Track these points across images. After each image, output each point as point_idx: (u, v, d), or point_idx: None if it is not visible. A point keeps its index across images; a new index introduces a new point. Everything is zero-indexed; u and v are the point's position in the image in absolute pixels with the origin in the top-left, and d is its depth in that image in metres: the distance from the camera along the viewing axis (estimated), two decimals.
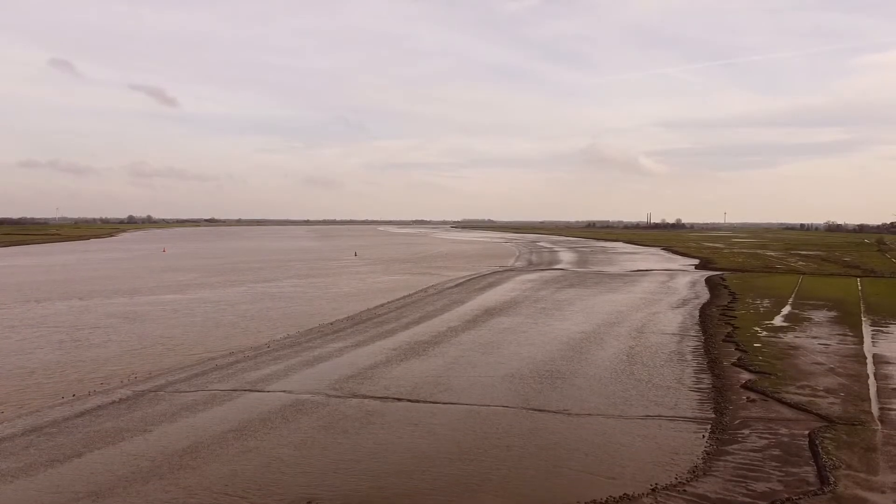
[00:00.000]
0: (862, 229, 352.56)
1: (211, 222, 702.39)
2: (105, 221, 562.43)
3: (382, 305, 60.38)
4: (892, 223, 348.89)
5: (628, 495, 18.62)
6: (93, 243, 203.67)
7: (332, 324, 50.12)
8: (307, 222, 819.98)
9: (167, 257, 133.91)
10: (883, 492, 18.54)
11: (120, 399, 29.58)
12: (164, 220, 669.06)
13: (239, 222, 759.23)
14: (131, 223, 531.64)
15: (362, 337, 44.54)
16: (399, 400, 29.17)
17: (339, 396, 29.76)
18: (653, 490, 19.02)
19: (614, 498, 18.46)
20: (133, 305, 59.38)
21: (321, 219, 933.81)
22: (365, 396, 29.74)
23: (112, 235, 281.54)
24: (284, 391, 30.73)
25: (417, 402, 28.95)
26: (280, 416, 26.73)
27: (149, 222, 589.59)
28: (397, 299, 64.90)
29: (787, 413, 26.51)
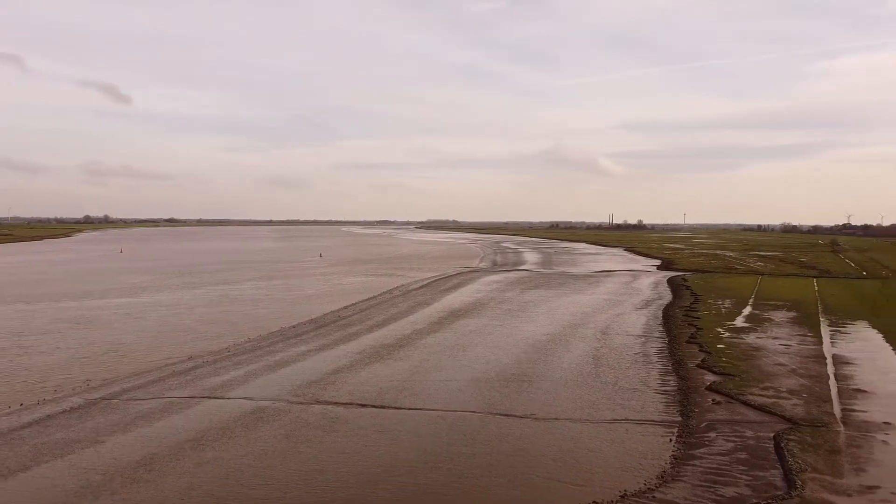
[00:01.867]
0: (816, 230, 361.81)
1: (171, 222, 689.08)
2: (60, 221, 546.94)
3: (347, 308, 59.53)
4: (844, 224, 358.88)
5: (597, 503, 18.32)
6: (47, 244, 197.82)
7: (294, 327, 49.16)
8: (270, 223, 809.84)
9: (123, 258, 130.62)
10: (849, 495, 18.57)
11: (71, 408, 28.34)
12: (121, 220, 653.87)
13: (200, 222, 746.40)
14: (88, 223, 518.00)
15: (326, 340, 43.71)
16: (364, 406, 28.53)
17: (301, 403, 28.98)
18: (622, 497, 18.77)
19: None
20: (84, 309, 57.47)
21: (285, 219, 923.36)
22: (329, 403, 29.02)
23: (67, 236, 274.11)
24: (245, 398, 29.82)
25: (383, 407, 28.34)
26: (240, 425, 25.88)
27: (106, 222, 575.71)
28: (362, 301, 64.09)
29: (752, 415, 26.60)
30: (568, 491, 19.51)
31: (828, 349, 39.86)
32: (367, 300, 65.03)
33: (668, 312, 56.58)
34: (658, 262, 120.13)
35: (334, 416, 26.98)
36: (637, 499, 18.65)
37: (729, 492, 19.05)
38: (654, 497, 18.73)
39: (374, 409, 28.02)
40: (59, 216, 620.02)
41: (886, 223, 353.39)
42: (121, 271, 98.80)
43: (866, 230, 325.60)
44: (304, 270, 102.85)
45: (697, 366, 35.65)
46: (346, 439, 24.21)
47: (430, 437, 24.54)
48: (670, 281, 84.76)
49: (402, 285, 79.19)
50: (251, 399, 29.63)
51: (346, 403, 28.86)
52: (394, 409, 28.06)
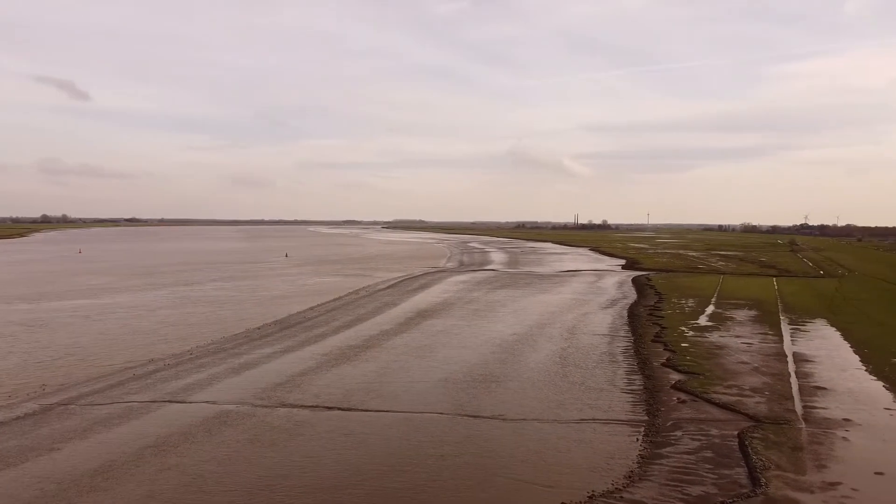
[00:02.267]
0: (775, 230, 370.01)
1: (132, 222, 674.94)
2: (16, 221, 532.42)
3: (313, 308, 58.85)
4: (802, 225, 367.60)
5: None
6: (0, 244, 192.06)
7: (259, 328, 48.40)
8: (235, 222, 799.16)
9: (82, 259, 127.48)
10: (812, 492, 18.83)
11: (25, 414, 27.42)
12: (80, 219, 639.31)
13: (162, 222, 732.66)
14: (45, 223, 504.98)
15: (291, 342, 43.11)
16: (330, 408, 28.13)
17: (266, 406, 28.47)
18: (590, 498, 18.76)
19: None
20: (40, 312, 55.84)
21: (249, 219, 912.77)
22: (294, 405, 28.55)
23: (23, 236, 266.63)
24: (208, 402, 29.19)
25: (349, 410, 27.98)
26: (203, 429, 25.29)
27: (64, 222, 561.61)
28: (328, 302, 63.45)
29: (717, 413, 26.89)
30: (536, 492, 19.44)
31: (788, 347, 40.60)
32: (333, 301, 64.40)
33: (633, 311, 57.12)
34: (623, 262, 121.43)
35: (300, 420, 26.54)
36: (605, 499, 18.66)
37: (696, 490, 19.18)
38: (622, 497, 18.76)
39: (340, 412, 27.65)
40: (14, 215, 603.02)
41: (841, 223, 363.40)
42: (79, 272, 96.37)
43: (822, 230, 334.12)
44: (270, 271, 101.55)
45: (663, 364, 35.99)
46: (312, 443, 23.81)
47: (397, 439, 24.28)
48: (635, 280, 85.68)
49: (369, 286, 78.66)
50: (214, 403, 29.01)
51: (312, 406, 28.43)
52: (361, 412, 27.72)
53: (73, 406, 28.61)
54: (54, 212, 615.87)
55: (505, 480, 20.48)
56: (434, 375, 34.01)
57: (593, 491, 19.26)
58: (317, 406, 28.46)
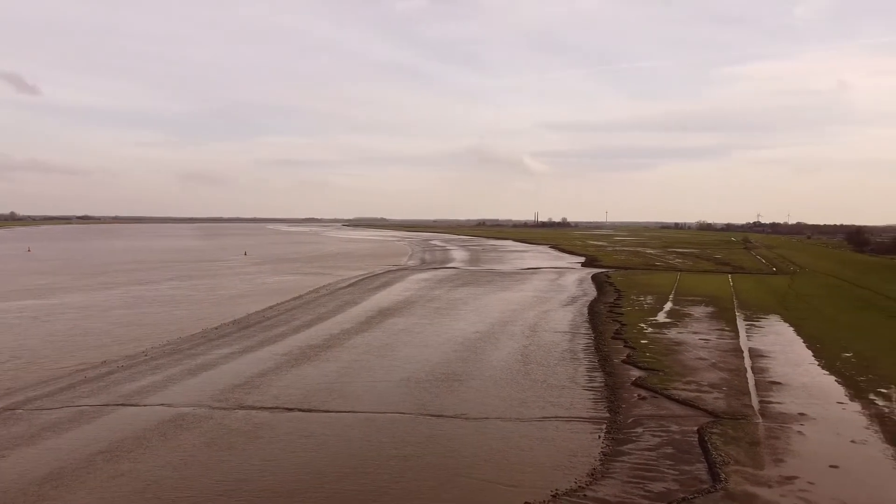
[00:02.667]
0: (729, 228, 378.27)
1: (84, 220, 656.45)
2: None
3: (272, 308, 57.94)
4: (755, 222, 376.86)
5: (529, 503, 18.20)
6: None
7: (217, 328, 47.41)
8: (191, 220, 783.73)
9: (31, 257, 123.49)
10: (770, 486, 19.11)
11: None
12: (29, 216, 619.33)
13: (116, 220, 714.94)
14: None
15: (250, 342, 42.31)
16: (290, 410, 27.62)
17: (224, 408, 27.81)
18: (554, 496, 18.72)
19: None
20: None
21: (207, 216, 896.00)
22: (253, 407, 27.95)
23: None
24: (163, 404, 28.39)
25: (310, 411, 27.52)
26: (158, 433, 24.56)
27: (12, 219, 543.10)
28: (288, 301, 62.54)
29: (677, 409, 27.20)
30: (500, 492, 19.32)
31: (744, 343, 41.38)
32: (293, 300, 63.52)
33: (593, 309, 57.63)
34: (582, 260, 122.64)
35: (259, 422, 25.99)
36: (569, 498, 18.65)
37: (657, 487, 19.30)
38: (585, 495, 18.77)
39: (300, 413, 27.17)
40: None
41: (792, 221, 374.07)
42: (28, 271, 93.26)
43: (774, 228, 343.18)
44: (228, 269, 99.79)
45: (623, 361, 36.31)
46: (271, 446, 23.31)
47: (359, 440, 23.93)
48: (594, 278, 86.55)
49: (330, 284, 77.86)
50: (170, 405, 28.23)
51: (271, 408, 27.87)
52: (321, 413, 27.28)
53: (20, 411, 27.51)
54: (1, 209, 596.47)
55: (468, 480, 20.33)
56: (396, 375, 33.71)
57: (557, 489, 19.23)
58: (276, 407, 27.91)
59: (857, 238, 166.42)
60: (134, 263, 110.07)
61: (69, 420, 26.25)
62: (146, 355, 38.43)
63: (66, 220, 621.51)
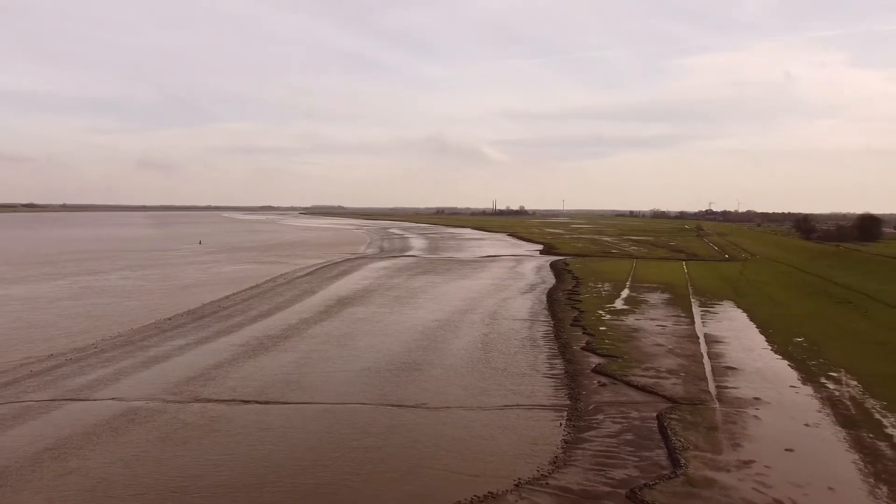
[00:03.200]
0: (683, 216, 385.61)
1: (30, 208, 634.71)
2: None
3: (228, 297, 56.76)
4: (707, 210, 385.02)
5: (493, 493, 18.09)
6: None
7: (170, 319, 46.20)
8: (143, 208, 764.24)
9: None
10: (728, 470, 19.38)
11: None
12: None
13: (64, 208, 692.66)
14: None
15: (205, 333, 41.32)
16: (247, 402, 26.99)
17: (178, 402, 27.03)
18: (517, 486, 18.64)
19: (479, 497, 17.86)
20: None
21: (159, 204, 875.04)
22: (208, 400, 27.23)
23: None
24: (114, 398, 27.47)
25: (268, 403, 26.94)
26: (108, 429, 23.71)
27: None
28: (244, 290, 61.36)
29: (636, 396, 27.44)
30: (463, 482, 19.15)
31: (700, 329, 42.09)
32: (249, 289, 62.35)
33: (552, 296, 57.96)
34: (540, 247, 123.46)
35: (215, 415, 25.32)
36: (531, 486, 18.59)
37: (619, 474, 19.39)
38: (547, 484, 18.74)
39: (258, 406, 26.58)
40: None
41: (742, 209, 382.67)
42: None
43: (725, 216, 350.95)
44: (181, 259, 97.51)
45: (582, 348, 36.54)
46: (228, 439, 22.72)
47: (319, 432, 23.50)
48: (553, 265, 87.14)
49: (287, 273, 76.71)
50: (121, 399, 27.32)
51: (227, 400, 27.19)
52: (280, 405, 26.73)
53: None
54: None
55: (430, 471, 20.11)
56: (356, 364, 33.29)
57: (519, 478, 19.15)
58: (233, 400, 27.25)
59: (804, 226, 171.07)
60: (82, 253, 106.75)
61: (13, 417, 25.17)
62: (96, 348, 37.20)
63: (11, 207, 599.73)
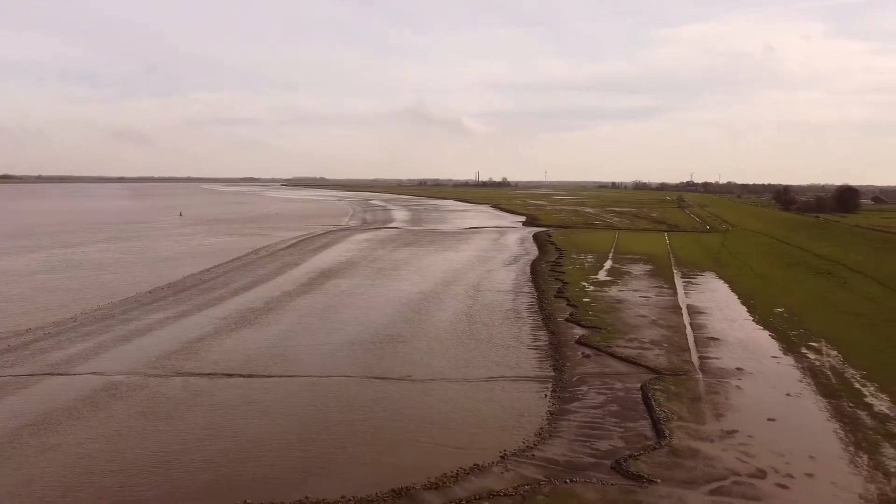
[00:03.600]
0: (664, 187, 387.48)
1: (4, 179, 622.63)
2: None
3: (209, 270, 56.15)
4: (688, 182, 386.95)
5: (479, 465, 18.08)
6: None
7: (150, 292, 45.62)
8: (122, 180, 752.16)
9: None
10: (712, 440, 19.53)
11: None
12: None
13: (40, 179, 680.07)
14: None
15: (186, 306, 40.87)
16: (230, 376, 26.75)
17: (160, 376, 26.74)
18: (502, 457, 18.65)
19: (465, 469, 17.83)
20: None
21: (137, 176, 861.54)
22: (191, 374, 26.96)
23: None
24: (94, 373, 27.10)
25: (251, 376, 26.72)
26: (89, 404, 23.40)
27: None
28: (226, 263, 60.73)
29: (620, 367, 27.55)
30: (449, 455, 19.11)
31: (682, 300, 42.34)
32: (231, 262, 61.73)
33: (535, 268, 58.00)
34: (523, 219, 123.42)
35: (197, 389, 25.07)
36: (517, 458, 18.61)
37: (604, 445, 19.47)
38: (533, 455, 18.77)
39: (241, 379, 26.35)
40: None
41: (723, 181, 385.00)
42: None
43: (706, 187, 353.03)
44: (161, 231, 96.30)
45: (566, 320, 36.61)
46: (210, 414, 22.51)
47: (303, 406, 23.36)
48: (536, 237, 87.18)
49: (269, 245, 76.04)
50: (101, 374, 26.96)
51: (210, 374, 26.94)
52: (263, 378, 26.53)
53: None
54: None
55: (416, 444, 20.07)
56: (339, 337, 33.10)
57: (505, 450, 19.16)
58: (215, 374, 26.99)
59: (783, 197, 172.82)
60: (59, 225, 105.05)
61: None
62: (74, 321, 36.66)
63: None
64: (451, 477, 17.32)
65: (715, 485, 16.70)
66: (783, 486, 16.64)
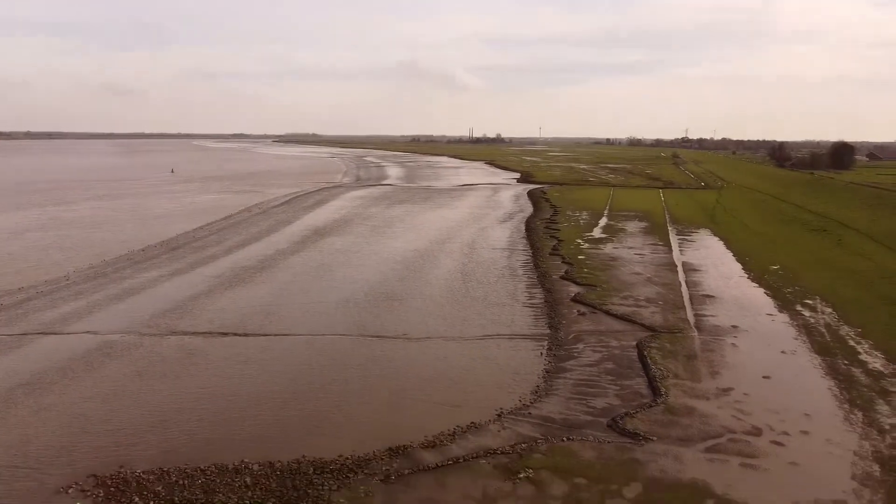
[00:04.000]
0: (658, 144, 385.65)
1: None
2: None
3: (202, 228, 55.72)
4: (683, 138, 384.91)
5: (475, 424, 18.11)
6: None
7: (143, 250, 45.28)
8: (112, 136, 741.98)
9: None
10: (707, 398, 19.61)
11: None
12: None
13: (29, 135, 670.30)
14: None
15: (180, 264, 40.59)
16: (225, 335, 26.65)
17: (154, 335, 26.62)
18: (499, 416, 18.69)
19: (461, 428, 17.87)
20: None
21: (128, 132, 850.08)
22: (185, 333, 26.85)
23: None
24: (89, 332, 26.96)
25: (246, 335, 26.62)
26: (83, 364, 23.29)
27: None
28: (219, 220, 60.27)
29: (616, 325, 27.57)
30: (445, 413, 19.15)
31: (677, 257, 42.28)
32: (224, 219, 61.26)
33: (530, 225, 57.79)
34: (517, 176, 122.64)
35: (192, 348, 24.98)
36: (514, 416, 18.65)
37: (600, 403, 19.53)
38: (529, 413, 18.82)
39: (236, 338, 26.26)
40: None
41: (718, 137, 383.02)
42: None
43: (701, 144, 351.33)
44: (153, 188, 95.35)
45: (561, 277, 36.55)
46: (206, 373, 22.45)
47: (299, 364, 23.32)
48: (530, 194, 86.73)
49: (262, 203, 75.45)
50: (96, 333, 26.82)
51: (205, 333, 26.83)
52: (258, 337, 26.44)
53: None
54: None
55: (412, 402, 20.09)
56: (334, 296, 32.97)
57: (501, 408, 19.20)
58: (210, 332, 26.88)
59: (778, 154, 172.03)
60: (49, 183, 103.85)
61: None
62: (67, 280, 36.39)
63: None
64: (448, 435, 17.36)
65: (710, 442, 16.80)
66: (779, 444, 16.75)
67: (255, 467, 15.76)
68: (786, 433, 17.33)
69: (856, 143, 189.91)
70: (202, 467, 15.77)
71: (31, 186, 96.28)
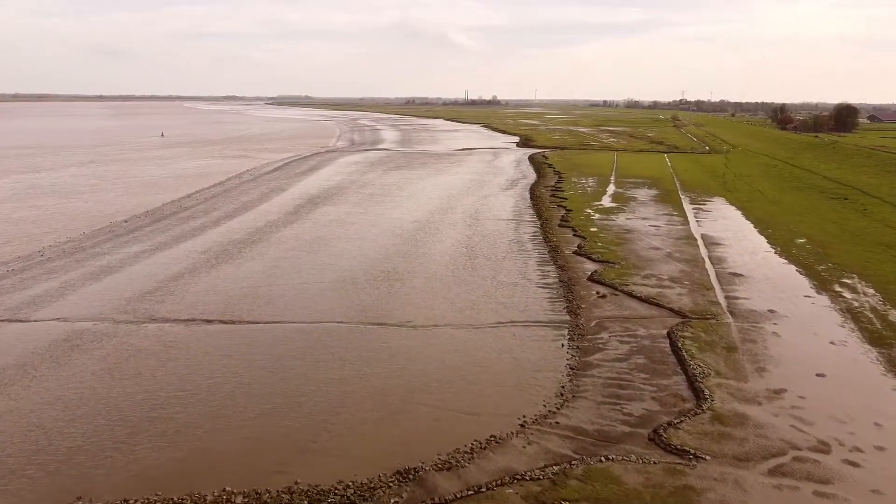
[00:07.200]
0: (656, 106, 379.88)
1: None
2: None
3: (189, 196, 52.75)
4: (680, 100, 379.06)
5: (496, 438, 15.57)
6: None
7: (126, 221, 42.43)
8: (101, 98, 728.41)
9: None
10: (759, 403, 17.12)
11: None
12: None
13: (17, 97, 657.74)
14: None
15: (164, 237, 37.79)
16: (209, 322, 24.02)
17: (131, 322, 23.97)
18: (522, 426, 16.16)
19: (480, 443, 15.33)
20: None
21: (118, 94, 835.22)
22: (165, 320, 24.19)
23: None
24: (57, 319, 24.29)
25: (232, 322, 24.01)
26: (48, 358, 20.65)
27: None
28: (207, 188, 57.24)
29: (641, 309, 25.00)
30: (460, 422, 16.61)
31: (696, 229, 39.66)
32: (213, 187, 58.20)
33: (534, 193, 54.96)
34: (516, 139, 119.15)
35: (172, 339, 22.34)
36: (539, 427, 16.12)
37: (637, 409, 17.00)
38: (557, 423, 16.28)
39: (221, 326, 23.63)
40: None
41: (715, 99, 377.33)
42: None
43: (699, 106, 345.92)
44: (140, 153, 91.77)
45: (574, 253, 33.95)
46: (187, 370, 19.83)
47: (290, 359, 20.71)
48: (531, 159, 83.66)
49: (253, 168, 72.24)
50: (65, 320, 24.16)
51: (186, 320, 24.17)
52: (246, 325, 23.82)
53: None
54: None
55: (420, 409, 17.51)
56: (330, 275, 30.30)
57: (524, 416, 16.66)
58: (193, 319, 24.22)
59: (780, 116, 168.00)
60: (30, 147, 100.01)
61: None
62: (41, 256, 33.59)
63: None
64: (466, 453, 14.82)
65: (773, 462, 14.32)
66: (853, 464, 14.29)
67: (239, 500, 13.24)
68: (858, 449, 14.87)
69: (856, 104, 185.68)
70: (175, 499, 13.25)
71: (10, 151, 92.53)
